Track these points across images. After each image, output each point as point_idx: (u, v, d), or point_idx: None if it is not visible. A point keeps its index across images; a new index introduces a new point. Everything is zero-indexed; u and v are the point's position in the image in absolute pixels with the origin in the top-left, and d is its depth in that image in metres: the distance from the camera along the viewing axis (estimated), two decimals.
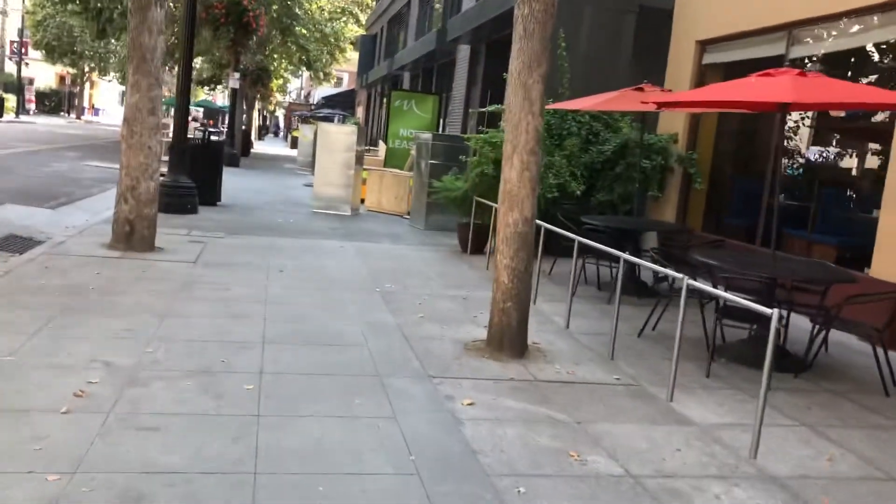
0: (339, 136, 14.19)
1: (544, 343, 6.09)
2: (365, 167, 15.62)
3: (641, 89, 8.55)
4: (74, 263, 7.53)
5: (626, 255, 5.88)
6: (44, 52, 40.07)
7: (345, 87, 60.58)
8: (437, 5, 21.50)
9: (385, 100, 31.24)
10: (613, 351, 5.86)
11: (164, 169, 10.93)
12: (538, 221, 8.57)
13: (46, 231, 9.70)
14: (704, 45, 10.66)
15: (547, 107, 11.03)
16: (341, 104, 50.41)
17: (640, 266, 8.09)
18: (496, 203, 10.19)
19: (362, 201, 15.27)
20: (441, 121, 19.61)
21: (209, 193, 13.14)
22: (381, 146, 20.77)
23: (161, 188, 11.82)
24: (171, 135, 12.31)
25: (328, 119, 48.89)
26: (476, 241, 10.31)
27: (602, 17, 11.99)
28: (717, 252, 7.19)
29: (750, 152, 10.87)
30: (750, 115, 9.79)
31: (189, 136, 15.62)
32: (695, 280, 5.08)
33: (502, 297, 5.56)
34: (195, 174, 12.59)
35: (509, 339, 5.55)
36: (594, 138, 10.91)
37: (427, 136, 13.20)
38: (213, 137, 14.79)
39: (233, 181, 18.65)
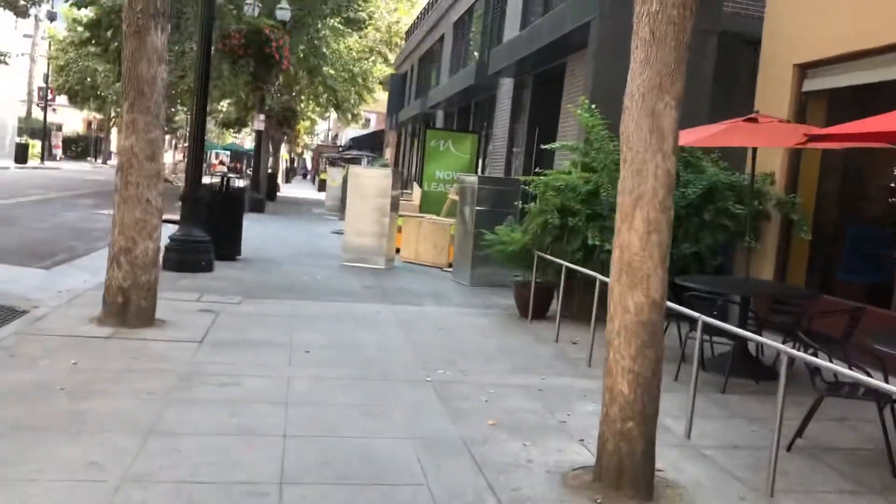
0: (372, 181, 12.70)
1: (669, 468, 4.39)
2: (400, 213, 14.13)
3: (755, 120, 6.92)
4: (50, 348, 6.00)
5: (785, 348, 4.20)
6: (67, 97, 39.56)
7: (373, 128, 59.73)
8: (474, 39, 20.18)
9: (417, 140, 29.95)
10: (773, 482, 4.13)
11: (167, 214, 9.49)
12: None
13: (33, 298, 8.22)
14: (805, 70, 9.03)
15: None
16: (369, 145, 49.41)
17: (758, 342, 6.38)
18: (562, 258, 8.30)
19: (397, 251, 13.74)
20: (480, 161, 18.12)
21: (227, 247, 11.67)
22: (416, 189, 19.30)
23: (170, 243, 10.44)
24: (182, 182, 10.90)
25: (356, 161, 47.89)
26: (539, 304, 8.65)
27: None
28: None
29: (862, 193, 9.17)
30: (857, 150, 8.13)
31: (207, 180, 14.28)
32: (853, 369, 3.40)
33: (620, 413, 3.89)
34: (212, 225, 11.14)
35: (631, 474, 3.87)
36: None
37: (472, 179, 11.66)
38: (235, 183, 13.37)
39: (256, 229, 17.24)
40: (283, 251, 13.76)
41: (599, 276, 7.15)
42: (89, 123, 57.54)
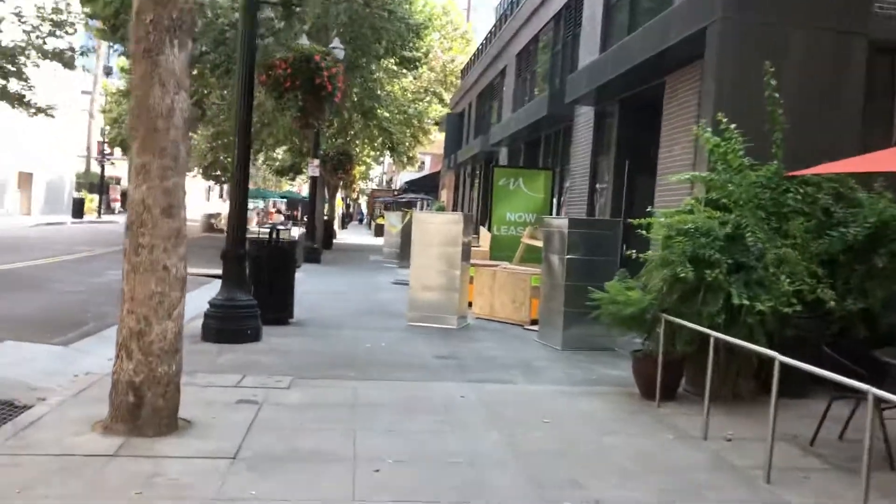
0: (439, 227, 11.02)
1: None
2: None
3: None
4: (28, 476, 4.38)
5: None
6: (121, 149, 39.31)
7: (427, 170, 58.57)
8: (542, 68, 18.57)
9: (478, 180, 28.37)
10: None
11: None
12: (766, 351, 5.15)
13: (40, 386, 6.67)
14: None
15: (787, 174, 7.58)
16: (424, 188, 48.15)
17: None
18: (695, 322, 6.31)
19: (469, 304, 12.00)
20: (555, 200, 16.35)
21: (277, 309, 10.11)
22: (483, 234, 17.59)
23: (210, 309, 8.90)
24: (225, 236, 9.38)
25: (411, 204, 46.63)
26: (667, 381, 6.74)
27: (822, 42, 8.47)
28: None
29: None
30: None
31: (258, 230, 12.82)
32: None
33: None
34: (259, 285, 9.62)
35: None
36: (826, 217, 7.34)
37: (560, 221, 9.87)
38: (287, 233, 11.86)
39: (311, 282, 15.71)
40: (341, 309, 12.14)
41: (761, 350, 5.32)
42: None
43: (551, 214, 16.19)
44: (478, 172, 29.51)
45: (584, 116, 14.01)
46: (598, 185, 13.71)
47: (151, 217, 5.18)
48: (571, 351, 9.35)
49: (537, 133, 17.86)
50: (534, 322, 11.44)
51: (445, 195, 42.63)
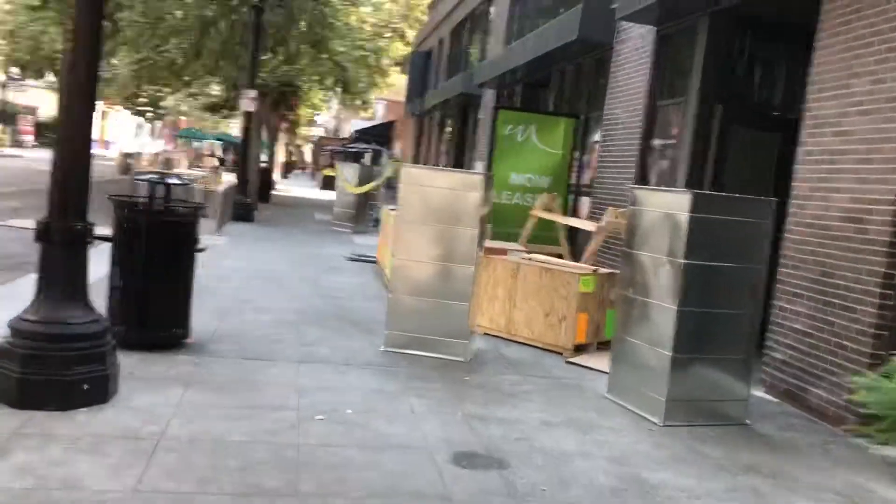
0: (446, 195, 6.64)
1: None
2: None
3: None
4: None
5: None
6: (20, 68, 33.31)
7: (380, 118, 53.47)
8: None
9: (453, 129, 23.88)
10: None
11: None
12: None
13: None
14: None
15: None
16: (378, 137, 43.23)
17: None
18: None
19: None
20: (578, 160, 12.08)
21: (160, 324, 5.76)
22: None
23: (9, 339, 4.48)
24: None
25: (359, 155, 41.74)
26: None
27: None
28: None
29: None
30: None
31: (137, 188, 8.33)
32: None
33: None
34: (127, 289, 5.27)
35: None
36: None
37: (674, 197, 5.57)
38: (184, 193, 7.39)
39: (235, 255, 11.19)
40: (275, 311, 7.74)
41: None
42: None
43: (569, 179, 11.94)
44: (447, 121, 24.98)
45: (638, 38, 9.74)
46: (656, 142, 9.51)
47: None
48: (681, 427, 5.25)
49: (546, 68, 13.53)
50: (578, 348, 7.29)
51: (402, 146, 38.00)
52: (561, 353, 7.26)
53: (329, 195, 29.72)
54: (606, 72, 11.03)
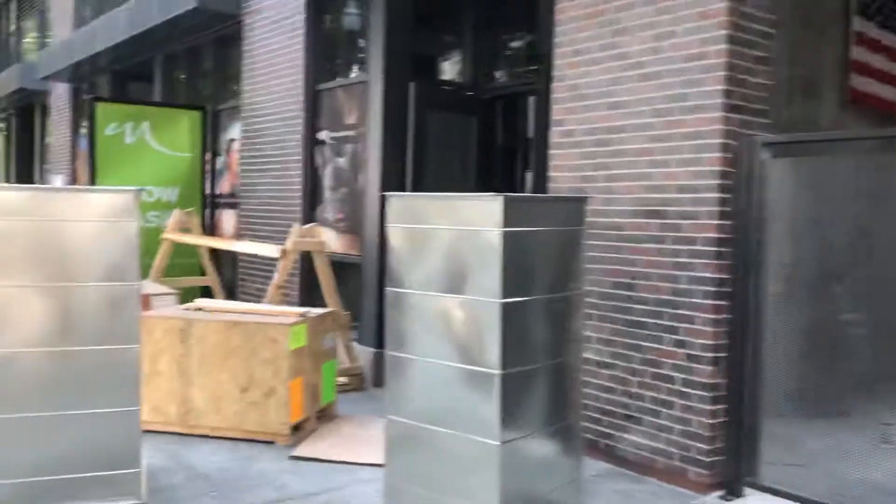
0: (61, 232, 3.89)
1: None
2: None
3: None
4: None
5: None
6: None
7: None
8: None
9: (2, 134, 18.80)
10: None
11: None
12: None
13: None
14: None
15: None
16: None
17: None
18: None
19: None
20: (211, 166, 9.48)
21: None
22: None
23: None
24: None
25: None
26: None
27: None
28: None
29: None
30: None
31: None
32: None
33: None
34: None
35: None
36: None
37: (488, 207, 3.66)
38: None
39: None
40: None
41: None
42: None
43: (203, 187, 9.39)
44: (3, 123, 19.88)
45: (280, 5, 7.61)
46: (325, 136, 7.54)
47: None
48: None
49: (145, 52, 10.60)
50: (296, 429, 5.11)
51: None
52: (273, 442, 4.99)
53: None
54: (237, 52, 8.74)
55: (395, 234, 3.89)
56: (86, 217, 3.86)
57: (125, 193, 3.94)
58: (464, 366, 3.60)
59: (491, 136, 6.93)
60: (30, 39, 17.67)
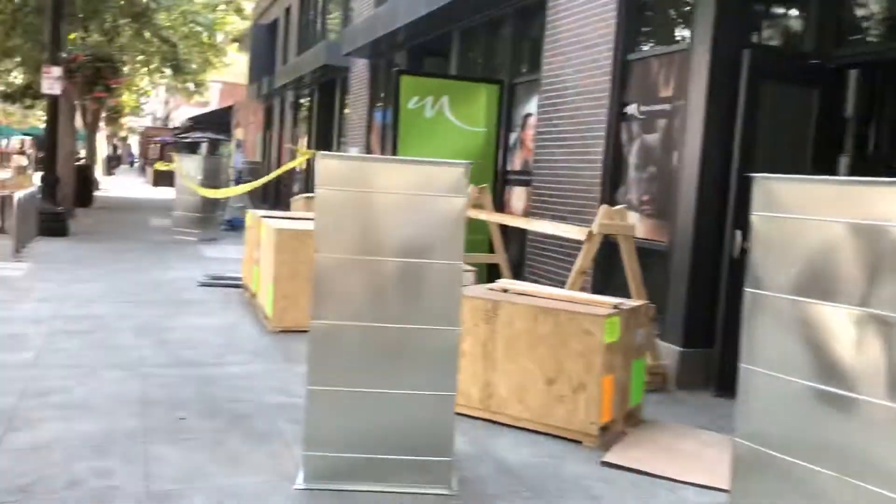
0: (411, 203, 3.75)
1: None
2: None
3: None
4: None
5: None
6: None
7: (215, 105, 48.48)
8: None
9: (305, 110, 20.53)
10: None
11: None
12: None
13: None
14: None
15: None
16: (213, 126, 38.68)
17: None
18: None
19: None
20: (502, 138, 9.34)
21: None
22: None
23: None
24: None
25: (195, 146, 37.07)
26: None
27: None
28: None
29: None
30: None
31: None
32: None
33: None
34: None
35: None
36: None
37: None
38: None
39: (38, 294, 7.63)
40: (98, 415, 4.53)
41: None
42: None
43: (497, 167, 9.25)
44: (303, 101, 21.65)
45: None
46: (634, 110, 7.00)
47: None
48: None
49: (443, 27, 10.72)
50: (604, 429, 4.64)
51: (242, 134, 34.06)
52: (579, 441, 4.59)
53: (164, 193, 25.57)
54: (538, 23, 8.40)
55: (761, 226, 3.25)
56: (417, 189, 3.67)
57: (456, 167, 3.71)
58: (854, 395, 2.90)
59: (838, 112, 5.92)
60: (333, 17, 18.95)
